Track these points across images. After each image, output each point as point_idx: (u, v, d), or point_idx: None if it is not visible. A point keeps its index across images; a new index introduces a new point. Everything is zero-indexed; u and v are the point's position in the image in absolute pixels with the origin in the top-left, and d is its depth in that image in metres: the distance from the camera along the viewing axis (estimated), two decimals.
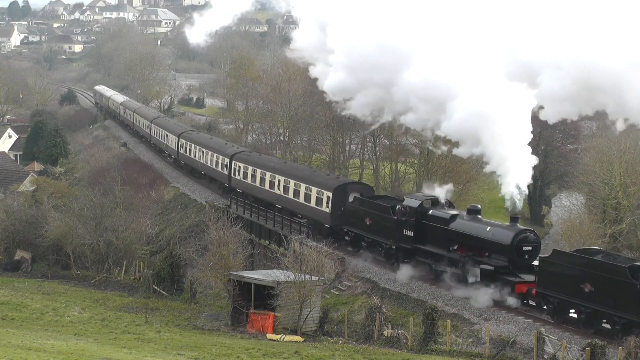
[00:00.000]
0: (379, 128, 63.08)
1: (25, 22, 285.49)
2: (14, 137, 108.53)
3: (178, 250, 54.76)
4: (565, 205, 69.26)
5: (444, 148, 57.53)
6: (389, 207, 44.10)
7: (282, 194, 54.55)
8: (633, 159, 59.46)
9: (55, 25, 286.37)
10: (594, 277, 32.85)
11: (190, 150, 74.40)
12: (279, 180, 55.19)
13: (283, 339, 37.86)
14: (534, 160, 38.86)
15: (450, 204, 42.72)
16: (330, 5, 50.06)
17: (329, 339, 38.37)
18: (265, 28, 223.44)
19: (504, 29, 39.10)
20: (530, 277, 36.70)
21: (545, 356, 32.06)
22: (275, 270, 40.77)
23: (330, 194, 49.01)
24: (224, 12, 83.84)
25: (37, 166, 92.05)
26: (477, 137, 39.08)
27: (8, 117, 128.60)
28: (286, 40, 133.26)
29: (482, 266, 37.82)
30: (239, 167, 61.74)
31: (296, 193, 52.75)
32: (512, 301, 36.55)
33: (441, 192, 42.63)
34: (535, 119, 39.57)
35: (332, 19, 48.73)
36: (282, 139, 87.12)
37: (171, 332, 40.21)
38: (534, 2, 39.04)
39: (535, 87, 37.02)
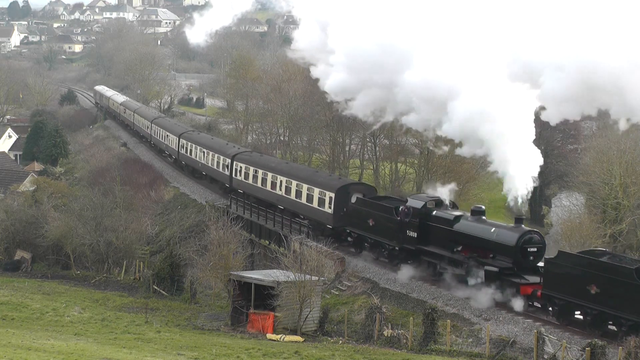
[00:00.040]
0: (379, 128, 63.08)
1: (25, 22, 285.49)
2: (14, 137, 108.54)
3: (178, 250, 54.74)
4: (565, 205, 69.23)
5: (445, 148, 57.57)
6: (392, 208, 43.91)
7: (283, 194, 54.38)
8: (633, 159, 59.49)
9: (55, 25, 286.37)
10: (600, 279, 32.62)
11: (191, 150, 74.27)
12: (280, 181, 55.01)
13: (283, 339, 37.86)
14: (539, 159, 38.60)
15: (454, 205, 42.51)
16: (331, 5, 50.03)
17: (329, 339, 38.37)
18: (265, 28, 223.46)
19: (506, 30, 39.04)
20: (535, 279, 36.44)
21: (545, 356, 32.05)
22: (275, 270, 40.76)
23: (332, 195, 48.83)
24: (224, 12, 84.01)
25: (37, 166, 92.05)
26: (480, 138, 38.96)
27: (8, 117, 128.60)
28: (286, 40, 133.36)
29: (487, 267, 37.59)
30: (240, 167, 61.57)
31: (298, 194, 52.58)
32: (517, 303, 36.23)
33: (444, 191, 42.52)
34: (535, 120, 39.50)
35: (332, 19, 48.70)
36: (282, 139, 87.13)
37: (171, 332, 40.20)
38: (535, 2, 38.99)
39: (538, 88, 36.93)
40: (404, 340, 36.08)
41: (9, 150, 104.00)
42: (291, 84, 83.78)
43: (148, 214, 66.93)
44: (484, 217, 39.86)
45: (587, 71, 33.92)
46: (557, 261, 34.84)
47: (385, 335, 36.77)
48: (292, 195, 53.23)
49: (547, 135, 77.45)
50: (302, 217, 51.95)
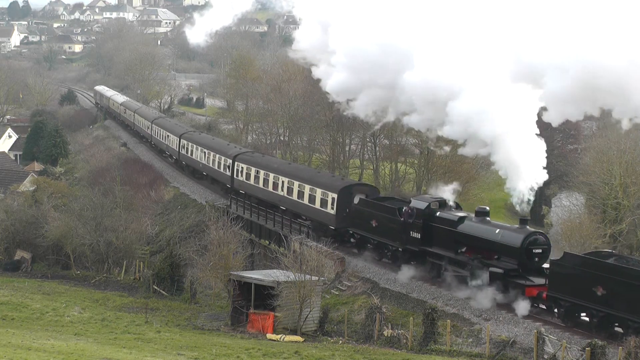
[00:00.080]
0: (379, 128, 63.08)
1: (25, 22, 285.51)
2: (14, 137, 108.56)
3: (178, 250, 54.73)
4: (565, 205, 69.24)
5: (447, 149, 57.53)
6: (396, 209, 43.71)
7: (285, 195, 54.18)
8: (633, 159, 59.53)
9: (55, 25, 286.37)
10: (607, 281, 32.41)
11: (191, 151, 74.13)
12: (282, 182, 54.81)
13: (283, 339, 37.86)
14: (543, 160, 38.43)
15: (458, 206, 42.31)
16: (332, 5, 49.98)
17: (329, 339, 38.37)
18: (265, 28, 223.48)
19: (508, 30, 38.98)
20: (540, 280, 36.22)
21: (545, 356, 32.05)
22: (275, 270, 40.76)
23: (335, 196, 48.62)
24: (224, 12, 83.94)
25: (37, 166, 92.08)
26: (482, 139, 38.85)
27: (8, 117, 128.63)
28: (286, 40, 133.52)
29: (492, 269, 37.36)
30: (242, 168, 61.35)
31: (300, 194, 52.38)
32: (522, 304, 35.96)
33: (447, 190, 42.39)
34: (537, 121, 39.37)
35: (333, 19, 48.64)
36: (282, 139, 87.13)
37: (171, 332, 40.21)
38: (537, 3, 38.94)
39: (540, 88, 36.84)
40: (404, 340, 36.08)
41: (9, 150, 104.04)
42: (291, 84, 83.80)
43: (148, 214, 66.93)
44: (488, 218, 39.67)
45: (590, 72, 33.84)
46: (562, 263, 34.57)
47: (385, 335, 36.77)
48: (294, 196, 53.06)
49: (547, 135, 77.28)
50: (304, 218, 51.78)
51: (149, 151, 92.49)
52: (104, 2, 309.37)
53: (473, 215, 40.20)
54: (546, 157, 38.54)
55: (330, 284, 44.74)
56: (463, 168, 65.12)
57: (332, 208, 48.69)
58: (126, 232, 58.42)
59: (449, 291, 39.63)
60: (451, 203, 42.01)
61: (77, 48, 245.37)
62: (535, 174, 37.77)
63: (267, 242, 52.99)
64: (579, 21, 35.05)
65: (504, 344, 33.78)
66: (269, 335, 38.54)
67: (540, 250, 36.93)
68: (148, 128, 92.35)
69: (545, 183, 39.44)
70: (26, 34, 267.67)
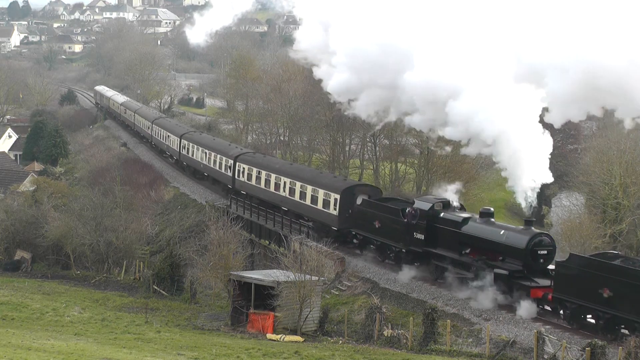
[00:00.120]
0: (380, 128, 63.04)
1: (25, 22, 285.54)
2: (14, 137, 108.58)
3: (178, 250, 54.71)
4: (565, 205, 69.28)
5: (448, 149, 57.49)
6: (399, 210, 43.44)
7: (287, 196, 53.97)
8: (633, 159, 59.55)
9: (55, 25, 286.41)
10: (613, 282, 32.20)
11: (192, 151, 74.03)
12: (284, 182, 54.60)
13: (283, 339, 37.86)
14: (546, 161, 38.32)
15: (462, 207, 42.12)
16: (332, 5, 49.97)
17: (329, 339, 38.37)
18: (265, 28, 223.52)
19: (507, 30, 38.95)
20: (545, 282, 36.02)
21: (545, 356, 32.04)
22: (275, 270, 40.75)
23: (337, 196, 48.40)
24: (224, 12, 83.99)
25: (37, 166, 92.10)
26: (483, 138, 38.77)
27: (8, 117, 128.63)
28: (286, 40, 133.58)
29: (496, 270, 37.16)
30: (243, 168, 61.18)
31: (302, 195, 52.21)
32: (528, 306, 35.73)
33: (450, 190, 42.29)
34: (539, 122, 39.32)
35: (334, 19, 48.63)
36: (282, 139, 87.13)
37: (171, 332, 40.21)
38: (538, 3, 38.92)
39: (542, 88, 36.78)
40: (404, 340, 36.07)
41: (9, 150, 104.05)
42: (291, 84, 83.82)
43: (148, 214, 66.94)
44: (492, 219, 39.46)
45: (590, 72, 33.80)
46: (568, 264, 34.36)
47: (385, 335, 36.76)
48: (296, 197, 52.89)
49: None
50: (306, 219, 51.68)
51: (149, 151, 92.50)
52: (104, 2, 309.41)
53: (477, 216, 40.03)
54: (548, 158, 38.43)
55: (330, 284, 44.73)
56: (463, 168, 65.13)
57: (335, 209, 48.50)
58: (126, 232, 58.43)
59: (449, 291, 39.60)
60: (455, 204, 41.81)
61: (77, 48, 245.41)
62: (539, 174, 37.66)
63: (267, 242, 52.97)
64: (579, 21, 35.04)
65: (504, 344, 33.78)
66: (269, 335, 38.54)
67: (545, 252, 36.66)
68: (148, 128, 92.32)
69: (545, 183, 39.29)
70: (26, 34, 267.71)
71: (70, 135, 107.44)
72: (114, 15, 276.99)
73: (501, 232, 37.86)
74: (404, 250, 42.99)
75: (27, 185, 77.59)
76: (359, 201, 47.09)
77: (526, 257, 36.51)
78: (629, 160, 59.32)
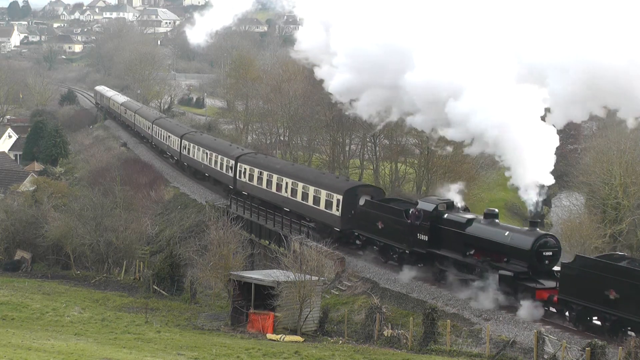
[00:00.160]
0: (380, 128, 62.99)
1: (25, 22, 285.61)
2: (14, 137, 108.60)
3: (178, 250, 54.68)
4: (565, 205, 69.32)
5: (449, 149, 57.42)
6: (402, 211, 43.22)
7: (289, 196, 53.77)
8: (633, 159, 59.58)
9: (55, 25, 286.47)
10: (620, 284, 32.07)
11: (193, 152, 73.93)
12: (286, 183, 54.40)
13: (283, 339, 37.86)
14: (552, 160, 38.21)
15: (466, 208, 41.94)
16: (332, 5, 49.95)
17: (329, 339, 38.37)
18: (265, 28, 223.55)
19: (508, 30, 38.93)
20: (550, 283, 35.84)
21: (545, 356, 32.03)
22: (275, 270, 40.75)
23: (340, 197, 48.20)
24: (224, 12, 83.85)
25: (37, 166, 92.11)
26: (484, 138, 38.73)
27: (8, 117, 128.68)
28: (286, 40, 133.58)
29: (501, 272, 36.99)
30: (245, 169, 61.00)
31: (304, 196, 52.03)
32: (534, 308, 35.59)
33: (454, 189, 42.18)
34: None
35: (334, 19, 48.60)
36: (282, 139, 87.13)
37: (171, 332, 40.20)
38: (539, 3, 38.90)
39: (544, 88, 36.74)
40: (404, 340, 36.07)
41: (9, 150, 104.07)
42: (291, 84, 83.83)
43: (148, 214, 66.92)
44: (497, 220, 39.35)
45: (591, 72, 33.77)
46: (574, 265, 34.22)
47: (385, 335, 36.75)
48: (299, 198, 52.73)
49: None
50: (308, 219, 51.58)
51: (149, 151, 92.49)
52: (104, 2, 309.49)
53: (481, 217, 39.89)
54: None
55: (330, 284, 44.72)
56: (463, 168, 65.10)
57: (337, 210, 48.32)
58: (126, 232, 58.41)
59: (449, 291, 39.57)
60: (459, 205, 41.65)
61: (77, 48, 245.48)
62: (542, 174, 37.59)
63: (267, 242, 52.94)
64: (579, 21, 35.04)
65: (504, 344, 33.78)
66: (269, 335, 38.53)
67: (550, 253, 36.53)
68: (149, 128, 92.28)
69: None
70: (26, 34, 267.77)
71: (70, 135, 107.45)
72: (114, 15, 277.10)
73: (506, 234, 37.71)
74: (407, 252, 42.85)
75: (27, 185, 77.60)
76: (361, 202, 46.87)
77: (531, 259, 36.34)
78: (629, 160, 59.34)
